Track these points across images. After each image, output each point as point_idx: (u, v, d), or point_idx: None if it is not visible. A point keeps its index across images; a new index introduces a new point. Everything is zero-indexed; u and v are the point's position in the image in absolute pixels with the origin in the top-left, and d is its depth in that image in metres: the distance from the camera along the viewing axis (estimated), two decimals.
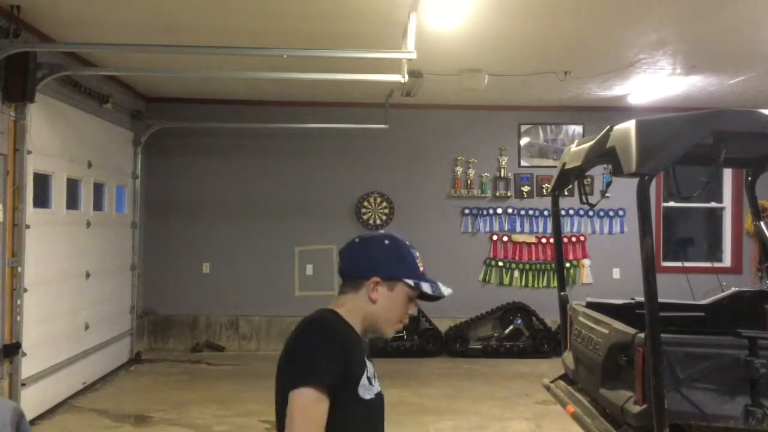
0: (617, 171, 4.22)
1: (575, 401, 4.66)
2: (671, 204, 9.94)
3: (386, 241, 2.17)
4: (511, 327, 9.55)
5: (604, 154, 4.17)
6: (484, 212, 9.83)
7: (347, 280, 2.16)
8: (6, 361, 5.88)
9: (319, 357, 1.98)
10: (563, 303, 5.30)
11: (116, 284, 8.52)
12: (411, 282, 2.13)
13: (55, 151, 6.83)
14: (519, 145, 9.92)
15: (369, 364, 2.12)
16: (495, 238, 9.82)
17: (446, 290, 2.17)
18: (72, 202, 7.32)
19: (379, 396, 2.12)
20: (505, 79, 7.76)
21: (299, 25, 5.99)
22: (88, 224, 7.62)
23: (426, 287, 2.14)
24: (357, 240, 2.20)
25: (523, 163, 9.92)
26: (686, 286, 6.22)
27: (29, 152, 6.11)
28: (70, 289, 7.15)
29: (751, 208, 5.57)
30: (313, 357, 1.98)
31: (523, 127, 9.93)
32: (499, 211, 9.83)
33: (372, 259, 2.14)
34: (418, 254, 2.19)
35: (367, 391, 2.05)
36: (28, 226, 6.07)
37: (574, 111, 9.73)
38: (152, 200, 9.61)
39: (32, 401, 6.24)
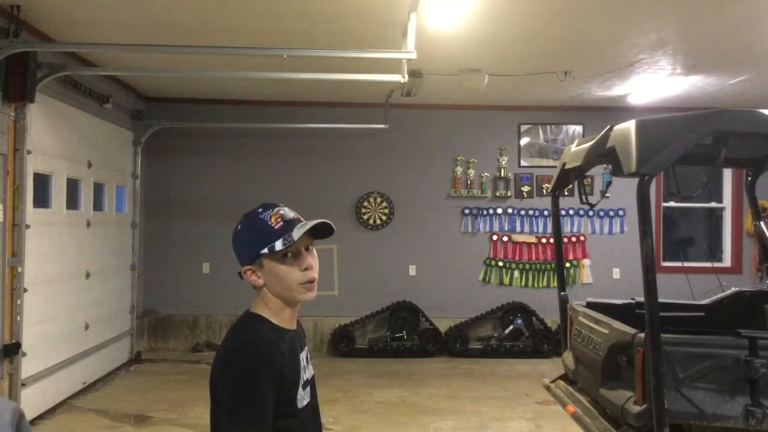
0: (617, 171, 4.23)
1: (575, 401, 4.66)
2: (671, 204, 9.94)
3: (239, 226, 2.05)
4: (511, 327, 9.55)
5: (604, 154, 4.18)
6: (484, 212, 9.83)
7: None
8: (6, 361, 5.88)
9: (254, 389, 1.86)
10: (563, 303, 5.31)
11: (116, 284, 8.52)
12: (266, 251, 1.96)
13: (55, 151, 6.83)
14: (519, 145, 9.92)
15: (303, 358, 2.04)
16: (495, 238, 9.82)
17: (299, 231, 1.97)
18: (72, 202, 7.31)
19: (312, 404, 2.07)
20: (505, 79, 7.77)
21: (299, 25, 5.99)
22: (88, 224, 7.62)
23: (278, 245, 1.95)
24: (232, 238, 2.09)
25: (523, 163, 9.92)
26: (686, 286, 6.22)
27: (29, 152, 6.11)
28: (70, 289, 7.15)
29: (751, 208, 5.57)
30: (249, 390, 1.86)
31: (523, 127, 9.93)
32: (499, 211, 9.83)
33: (237, 250, 2.05)
34: (273, 212, 2.01)
35: (301, 400, 2.00)
36: (28, 226, 6.07)
37: (574, 111, 9.73)
38: (152, 200, 9.61)
39: (32, 401, 6.25)
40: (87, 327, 7.54)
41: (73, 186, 7.33)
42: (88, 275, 7.56)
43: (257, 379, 1.87)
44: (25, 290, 6.04)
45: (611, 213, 9.78)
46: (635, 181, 3.67)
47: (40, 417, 6.48)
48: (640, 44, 6.57)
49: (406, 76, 6.01)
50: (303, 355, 2.07)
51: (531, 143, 9.94)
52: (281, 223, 2.00)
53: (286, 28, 6.06)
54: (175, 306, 9.68)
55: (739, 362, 3.67)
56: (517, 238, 9.82)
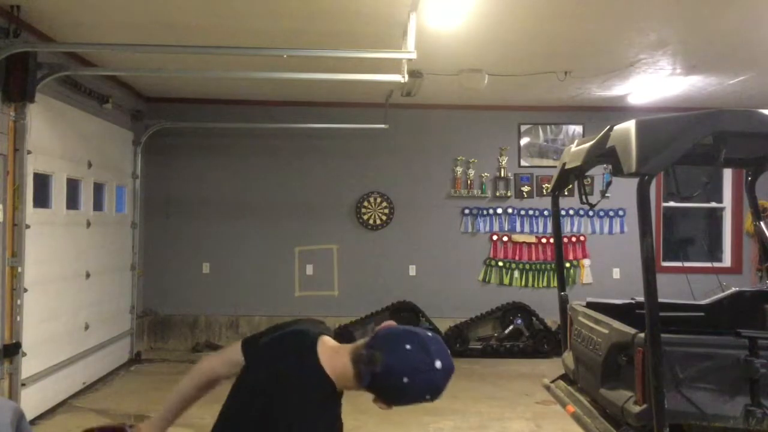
0: (617, 171, 4.23)
1: (575, 401, 4.66)
2: (671, 204, 9.94)
3: (405, 379, 1.99)
4: (511, 327, 9.55)
5: (604, 154, 4.18)
6: (484, 212, 9.83)
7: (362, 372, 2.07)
8: (6, 361, 5.88)
9: None
10: (563, 303, 5.30)
11: (116, 284, 8.52)
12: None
13: (55, 151, 6.83)
14: (519, 145, 9.92)
15: None
16: (495, 238, 9.82)
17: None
18: (72, 202, 7.31)
19: None
20: (505, 79, 7.77)
21: (299, 25, 5.99)
22: (88, 224, 7.62)
23: (429, 398, 2.06)
24: (401, 378, 2.00)
25: (523, 163, 9.91)
26: (686, 286, 6.22)
27: (29, 152, 6.10)
28: (70, 289, 7.15)
29: (751, 208, 5.57)
30: None
31: (523, 127, 9.93)
32: (499, 211, 9.83)
33: (403, 394, 2.04)
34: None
35: None
36: (28, 226, 6.07)
37: (574, 111, 9.73)
38: (152, 200, 9.61)
39: (32, 401, 6.24)
40: (87, 327, 7.54)
41: (73, 186, 7.33)
42: (88, 275, 7.56)
43: None
44: (25, 290, 6.04)
45: (611, 213, 9.78)
46: (635, 181, 3.66)
47: (40, 417, 6.48)
48: (640, 44, 6.57)
49: (406, 76, 6.01)
50: None
51: (531, 143, 9.94)
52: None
53: (285, 28, 6.06)
54: (175, 306, 9.68)
55: (739, 362, 3.66)
56: (517, 238, 9.82)
